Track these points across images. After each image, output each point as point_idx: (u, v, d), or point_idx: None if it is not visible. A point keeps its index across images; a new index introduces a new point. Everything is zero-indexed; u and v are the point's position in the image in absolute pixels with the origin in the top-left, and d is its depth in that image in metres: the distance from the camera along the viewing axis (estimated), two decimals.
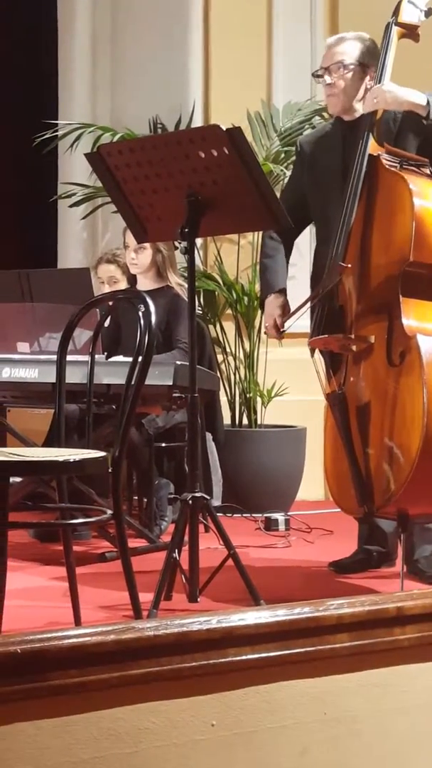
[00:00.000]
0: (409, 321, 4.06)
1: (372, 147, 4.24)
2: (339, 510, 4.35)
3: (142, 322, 3.52)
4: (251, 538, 5.31)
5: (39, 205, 7.28)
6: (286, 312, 4.53)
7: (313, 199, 4.61)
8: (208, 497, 4.07)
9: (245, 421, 6.47)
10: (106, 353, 5.04)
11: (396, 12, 4.40)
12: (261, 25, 6.91)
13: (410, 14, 4.39)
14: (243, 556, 4.14)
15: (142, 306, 3.55)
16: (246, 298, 6.46)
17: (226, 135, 3.92)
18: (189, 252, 4.02)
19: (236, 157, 3.92)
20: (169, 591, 4.00)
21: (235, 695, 2.93)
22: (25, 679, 2.63)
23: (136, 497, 5.71)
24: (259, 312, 6.38)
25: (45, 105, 7.29)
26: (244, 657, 2.92)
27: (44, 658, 2.66)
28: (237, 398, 6.48)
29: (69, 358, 3.82)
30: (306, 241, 5.27)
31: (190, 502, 3.97)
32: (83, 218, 7.02)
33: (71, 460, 3.37)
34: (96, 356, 3.83)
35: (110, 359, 4.97)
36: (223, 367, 6.46)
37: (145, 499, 5.46)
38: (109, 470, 3.45)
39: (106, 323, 4.96)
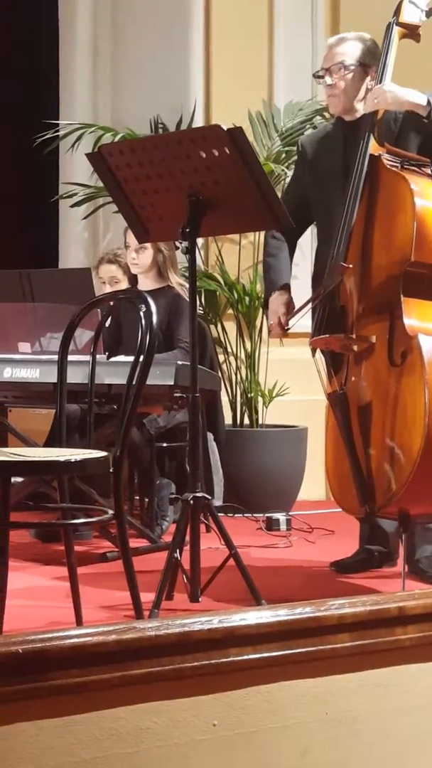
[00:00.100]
0: (410, 321, 4.06)
1: (373, 147, 4.24)
2: (340, 510, 4.35)
3: (143, 322, 3.52)
4: (252, 538, 5.31)
5: (40, 205, 7.28)
6: (290, 310, 4.52)
7: (314, 200, 4.61)
8: (209, 497, 4.08)
9: (246, 421, 6.47)
10: (107, 353, 5.03)
11: (397, 12, 4.40)
12: (262, 24, 6.91)
13: (411, 14, 4.39)
14: (244, 556, 4.14)
15: (143, 306, 3.55)
16: (247, 298, 6.45)
17: (227, 135, 3.92)
18: (190, 252, 4.02)
19: (237, 157, 3.92)
20: (170, 591, 4.01)
21: (237, 695, 2.93)
22: (26, 679, 2.63)
23: (137, 497, 5.71)
24: (261, 312, 6.42)
25: (46, 105, 7.29)
26: (245, 657, 2.92)
27: (46, 658, 2.66)
28: (238, 398, 6.48)
29: (70, 358, 3.82)
30: (308, 241, 5.27)
31: (192, 502, 3.97)
32: (84, 218, 7.02)
33: (72, 460, 3.37)
34: (97, 356, 3.83)
35: (111, 359, 4.97)
36: (224, 367, 6.46)
37: (147, 499, 5.46)
38: (111, 470, 3.45)
39: (108, 323, 4.96)
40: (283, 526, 5.53)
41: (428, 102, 4.21)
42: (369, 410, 4.13)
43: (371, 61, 4.44)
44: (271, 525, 5.54)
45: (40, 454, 3.48)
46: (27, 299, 5.33)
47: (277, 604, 3.20)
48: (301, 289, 4.65)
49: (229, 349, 6.53)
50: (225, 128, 3.94)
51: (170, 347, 5.39)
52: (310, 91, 6.65)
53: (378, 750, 3.17)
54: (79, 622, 3.57)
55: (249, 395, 6.44)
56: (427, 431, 3.89)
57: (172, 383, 4.82)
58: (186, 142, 4.01)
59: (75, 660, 2.69)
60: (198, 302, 5.92)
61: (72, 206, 6.88)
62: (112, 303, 4.03)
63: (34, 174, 7.35)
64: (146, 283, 5.59)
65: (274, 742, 2.99)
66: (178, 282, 5.59)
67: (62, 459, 3.37)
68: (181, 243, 4.08)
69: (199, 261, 5.71)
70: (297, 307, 4.49)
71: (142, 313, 3.54)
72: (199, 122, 6.71)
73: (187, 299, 4.49)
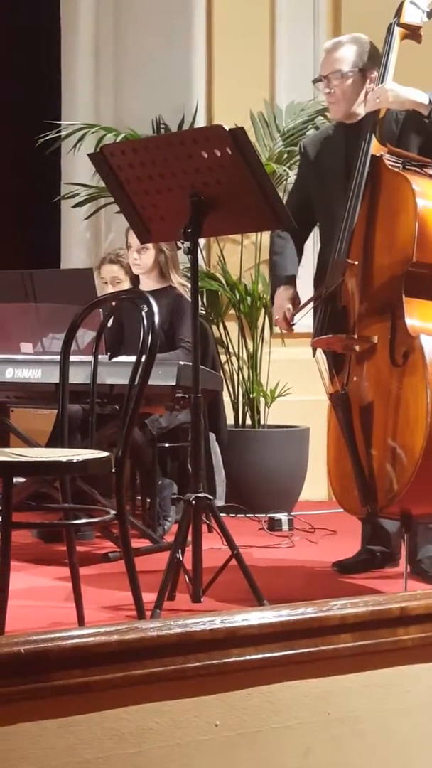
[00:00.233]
0: (412, 321, 4.06)
1: (375, 147, 4.24)
2: (342, 510, 4.35)
3: (145, 322, 3.53)
4: (254, 538, 5.31)
5: (42, 205, 7.28)
6: (296, 305, 4.52)
7: (316, 201, 4.61)
8: (211, 497, 4.08)
9: (248, 421, 6.47)
10: (109, 353, 5.04)
11: (398, 13, 4.40)
12: (264, 25, 6.91)
13: (412, 15, 4.39)
14: (246, 556, 4.14)
15: (145, 306, 3.55)
16: (249, 298, 6.45)
17: (229, 135, 3.92)
18: (192, 252, 4.02)
19: (239, 158, 3.92)
20: (172, 591, 4.01)
21: (239, 695, 2.93)
22: (28, 680, 2.63)
23: (139, 497, 5.72)
24: (263, 312, 6.43)
25: (48, 105, 7.29)
26: (247, 657, 2.92)
27: (48, 658, 2.66)
28: (240, 398, 6.48)
29: (72, 358, 3.82)
30: (309, 242, 5.27)
31: (194, 502, 3.97)
32: (86, 218, 7.02)
33: (74, 461, 3.38)
34: (99, 356, 3.83)
35: (113, 359, 4.97)
36: (226, 367, 6.46)
37: (149, 500, 5.46)
38: (113, 470, 3.45)
39: (109, 323, 4.97)
40: (285, 527, 5.53)
41: (430, 101, 4.21)
42: (371, 410, 4.13)
43: (369, 64, 4.44)
44: (273, 525, 5.54)
45: (42, 455, 3.49)
46: (29, 299, 5.34)
47: (279, 605, 3.20)
48: (303, 289, 4.65)
49: (231, 350, 6.53)
50: (227, 128, 3.94)
51: (172, 347, 5.39)
52: (312, 91, 6.63)
53: (380, 750, 3.17)
54: (81, 622, 3.57)
55: (251, 395, 6.44)
56: (429, 431, 3.89)
57: (174, 383, 4.82)
58: (188, 142, 4.01)
59: (77, 660, 2.69)
60: (200, 302, 5.93)
61: (74, 206, 6.88)
62: (114, 303, 4.03)
63: (36, 174, 7.35)
64: (148, 284, 5.59)
65: (276, 742, 2.99)
66: (179, 282, 5.59)
67: (64, 459, 3.37)
68: (182, 243, 4.08)
69: (200, 261, 5.72)
70: (302, 302, 4.49)
71: (144, 314, 3.54)
72: (201, 122, 6.71)
73: (189, 299, 4.49)
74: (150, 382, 3.54)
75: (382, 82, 4.31)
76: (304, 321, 4.57)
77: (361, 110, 4.43)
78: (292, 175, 5.92)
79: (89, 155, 4.36)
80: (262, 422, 6.46)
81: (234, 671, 2.92)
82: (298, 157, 4.94)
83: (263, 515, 5.69)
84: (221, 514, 4.20)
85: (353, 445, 4.14)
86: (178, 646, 2.83)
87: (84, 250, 7.19)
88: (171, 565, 3.91)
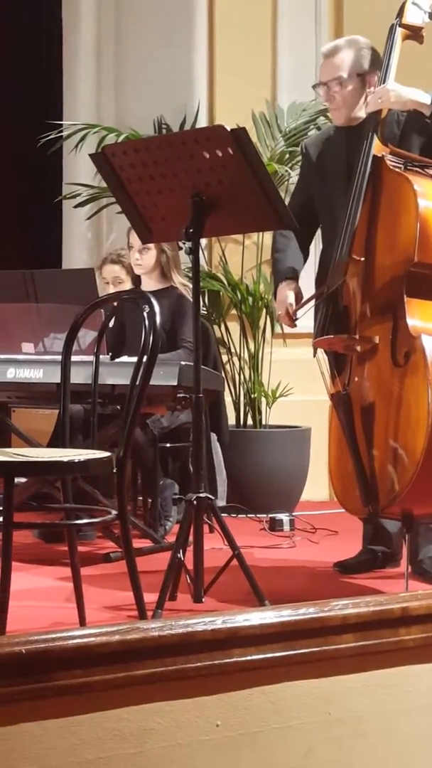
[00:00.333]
0: (413, 321, 4.06)
1: (377, 147, 4.24)
2: (344, 510, 4.35)
3: (146, 322, 3.53)
4: (256, 538, 5.31)
5: (44, 205, 7.28)
6: (298, 300, 4.52)
7: (318, 201, 4.61)
8: (212, 497, 4.08)
9: (250, 421, 6.47)
10: (110, 354, 5.04)
11: (400, 13, 4.40)
12: (266, 25, 6.91)
13: (414, 16, 4.39)
14: (247, 556, 4.14)
15: (146, 306, 3.55)
16: (250, 299, 6.46)
17: (230, 135, 3.92)
18: (194, 252, 4.02)
19: (241, 158, 3.92)
20: (173, 591, 4.01)
21: (240, 696, 2.93)
22: (29, 680, 2.63)
23: (140, 497, 5.72)
24: (264, 312, 6.43)
25: (49, 106, 7.30)
26: (248, 657, 2.92)
27: (49, 658, 2.66)
28: (242, 398, 6.48)
29: (74, 358, 3.82)
30: (313, 243, 5.27)
31: (195, 502, 3.97)
32: (88, 219, 7.02)
33: (76, 461, 3.38)
34: (101, 357, 3.83)
35: (115, 360, 4.98)
36: (227, 367, 6.47)
37: (150, 500, 5.46)
38: (114, 470, 3.45)
39: (111, 324, 4.96)
40: (286, 527, 5.52)
41: None
42: (372, 411, 4.13)
43: (369, 67, 4.43)
44: (275, 525, 5.54)
45: (44, 455, 3.49)
46: (30, 300, 5.34)
47: (280, 605, 3.20)
48: (305, 290, 4.65)
49: (233, 350, 6.53)
50: (228, 129, 3.94)
51: (174, 348, 5.39)
52: (313, 91, 6.63)
53: (382, 750, 3.16)
54: (82, 622, 3.57)
55: (252, 395, 6.44)
56: (430, 432, 3.89)
57: (175, 383, 4.82)
58: (189, 142, 4.02)
59: (78, 660, 2.69)
60: (201, 302, 5.93)
61: (75, 207, 6.88)
62: (115, 303, 4.03)
63: (38, 174, 7.36)
64: (149, 284, 5.59)
65: (278, 742, 2.99)
66: (181, 282, 5.59)
67: (66, 459, 3.37)
68: (184, 243, 4.08)
69: (202, 261, 5.71)
70: (305, 298, 4.48)
71: (145, 314, 3.54)
72: (202, 122, 6.71)
73: (191, 299, 4.49)
74: (151, 382, 3.54)
75: (384, 83, 4.31)
76: (306, 321, 4.56)
77: (362, 114, 4.43)
78: (294, 176, 5.93)
79: (91, 155, 4.36)
80: (263, 422, 6.46)
81: (235, 671, 2.92)
82: (299, 158, 4.94)
83: (264, 515, 5.69)
84: (222, 515, 4.20)
85: (354, 445, 4.14)
86: (180, 646, 2.83)
87: (85, 250, 7.19)
88: (172, 565, 3.91)
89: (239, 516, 5.80)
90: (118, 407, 4.91)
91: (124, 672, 2.75)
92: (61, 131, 6.74)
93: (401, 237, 4.10)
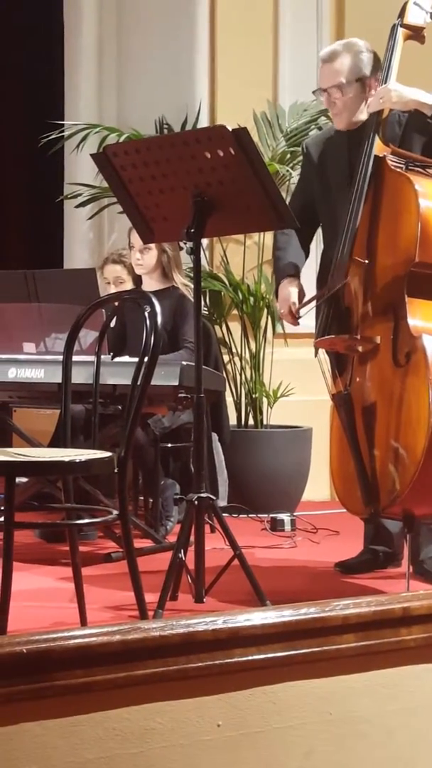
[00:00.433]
0: (414, 321, 4.06)
1: (378, 147, 4.24)
2: (345, 510, 4.35)
3: (148, 322, 3.53)
4: (257, 538, 5.31)
5: (45, 205, 7.28)
6: (301, 298, 4.52)
7: (320, 201, 4.61)
8: (213, 497, 4.07)
9: (251, 421, 6.47)
10: (111, 354, 5.04)
11: (402, 13, 4.40)
12: (267, 25, 6.91)
13: (416, 16, 4.39)
14: (249, 556, 4.14)
15: (147, 306, 3.55)
16: (252, 299, 6.46)
17: (232, 135, 3.92)
18: (195, 252, 4.02)
19: (242, 158, 3.92)
20: (174, 591, 4.00)
21: (241, 696, 2.93)
22: (31, 679, 2.63)
23: (141, 497, 5.72)
24: (265, 312, 6.43)
25: (51, 106, 7.29)
26: (250, 657, 2.92)
27: (50, 658, 2.66)
28: (243, 398, 6.48)
29: (75, 358, 3.82)
30: (313, 243, 5.27)
31: (196, 502, 3.97)
32: (89, 218, 7.02)
33: (77, 461, 3.38)
34: (102, 356, 3.83)
35: (116, 359, 4.98)
36: (229, 367, 6.46)
37: (151, 500, 5.46)
38: (115, 470, 3.45)
39: (112, 323, 4.97)
40: (287, 527, 5.52)
41: None
42: (373, 411, 4.13)
43: (368, 71, 4.42)
44: (276, 525, 5.53)
45: (45, 455, 3.49)
46: (32, 299, 5.34)
47: (281, 605, 3.20)
48: (306, 289, 4.65)
49: (234, 350, 6.53)
50: (230, 129, 3.94)
51: (175, 348, 5.39)
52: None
53: (382, 751, 3.17)
54: (83, 622, 3.57)
55: (254, 396, 6.44)
56: (430, 432, 3.89)
57: (176, 384, 4.82)
58: (191, 142, 4.01)
59: (79, 660, 2.69)
60: (203, 303, 5.93)
61: (77, 207, 6.88)
62: (116, 303, 4.03)
63: (39, 174, 7.36)
64: (151, 284, 5.59)
65: (279, 742, 2.99)
66: (182, 282, 5.59)
67: (67, 459, 3.37)
68: (185, 243, 4.08)
69: (203, 261, 5.72)
70: (307, 298, 4.48)
71: (146, 314, 3.54)
72: (204, 123, 6.71)
73: (192, 300, 4.49)
74: (153, 382, 3.54)
75: (385, 83, 4.31)
76: (307, 321, 4.56)
77: (363, 117, 4.43)
78: (295, 175, 5.92)
79: (92, 155, 4.36)
80: (264, 422, 6.46)
81: (236, 671, 2.92)
82: (300, 158, 4.93)
83: (266, 515, 5.69)
84: (224, 515, 4.20)
85: (356, 445, 4.14)
86: (181, 646, 2.83)
87: (87, 250, 7.19)
88: (173, 565, 3.90)
89: (240, 516, 5.80)
90: (120, 407, 4.91)
91: (125, 672, 2.75)
92: (63, 131, 6.74)
93: (402, 237, 4.10)
